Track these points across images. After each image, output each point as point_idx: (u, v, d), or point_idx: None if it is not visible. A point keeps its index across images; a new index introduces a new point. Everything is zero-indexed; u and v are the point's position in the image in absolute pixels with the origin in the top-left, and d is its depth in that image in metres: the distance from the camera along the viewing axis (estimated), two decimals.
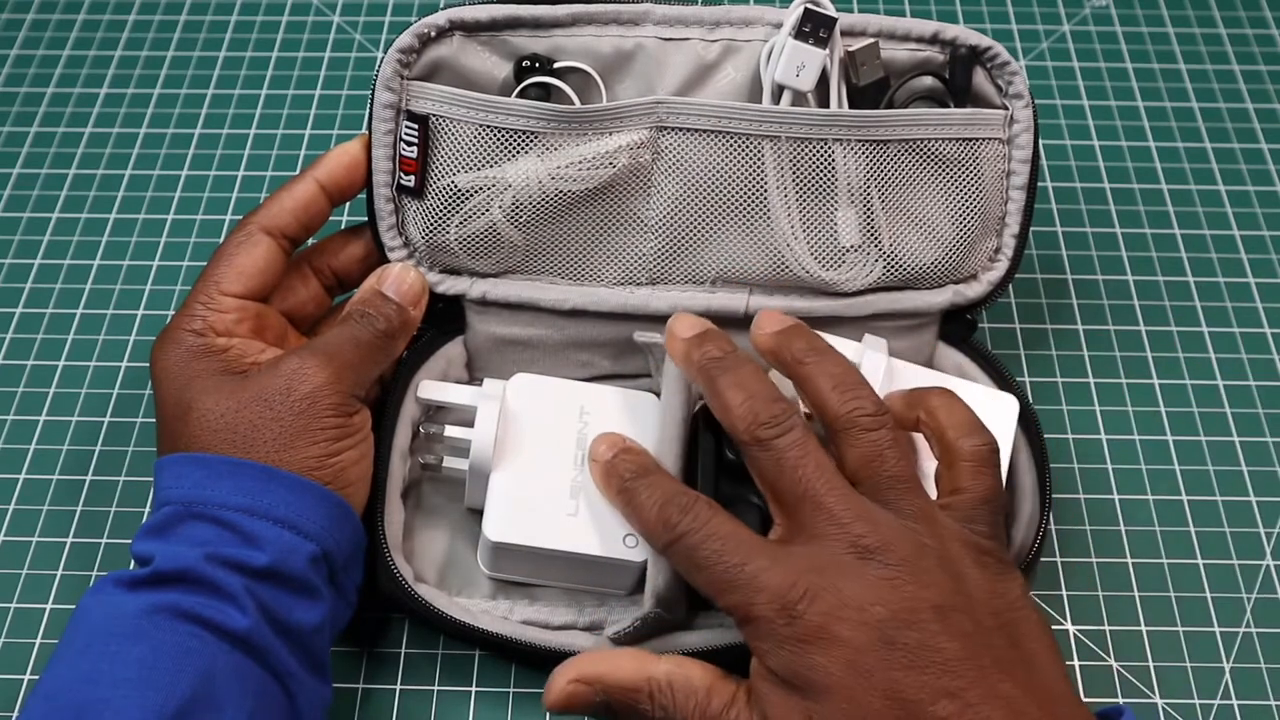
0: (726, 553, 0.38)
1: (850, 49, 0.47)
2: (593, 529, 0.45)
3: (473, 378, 0.52)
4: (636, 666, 0.39)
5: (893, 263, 0.49)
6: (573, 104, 0.48)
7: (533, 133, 0.47)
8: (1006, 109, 0.49)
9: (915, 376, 0.48)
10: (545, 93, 0.48)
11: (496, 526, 0.45)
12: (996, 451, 0.41)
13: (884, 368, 0.47)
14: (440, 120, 0.47)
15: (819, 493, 0.38)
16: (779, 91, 0.47)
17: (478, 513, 0.46)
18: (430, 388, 0.48)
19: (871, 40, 0.48)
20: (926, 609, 0.36)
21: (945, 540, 0.38)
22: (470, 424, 0.46)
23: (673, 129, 0.47)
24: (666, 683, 0.38)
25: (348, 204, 0.50)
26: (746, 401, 0.40)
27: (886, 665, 0.35)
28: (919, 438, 0.44)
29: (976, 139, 0.49)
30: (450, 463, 0.47)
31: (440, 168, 0.47)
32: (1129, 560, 0.51)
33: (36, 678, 0.43)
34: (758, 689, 0.37)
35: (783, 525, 0.39)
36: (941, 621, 0.36)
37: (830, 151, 0.47)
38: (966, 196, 0.49)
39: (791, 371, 0.42)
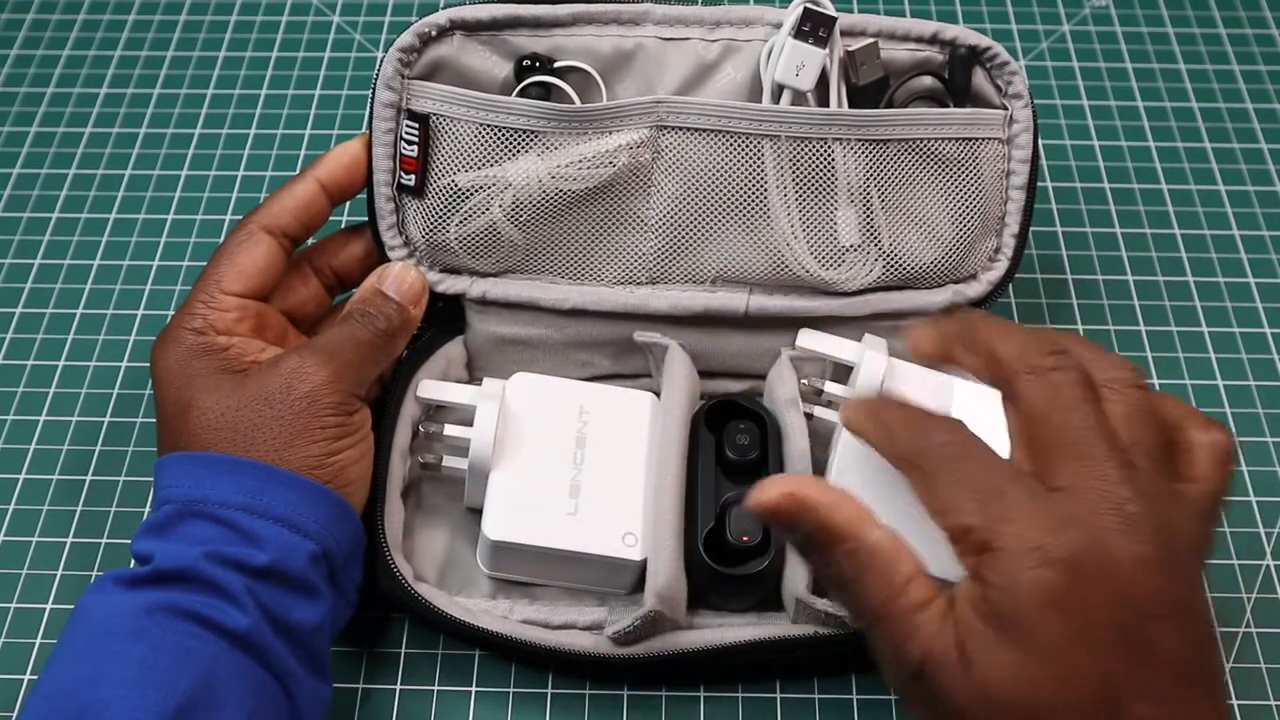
0: (990, 472, 0.35)
1: (850, 49, 0.47)
2: (592, 528, 0.45)
3: (473, 377, 0.52)
4: (855, 517, 0.36)
5: (892, 262, 0.49)
6: (573, 103, 0.48)
7: (533, 132, 0.47)
8: (1006, 109, 0.49)
9: (916, 376, 0.48)
10: (545, 92, 0.48)
11: (496, 525, 0.45)
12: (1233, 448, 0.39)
13: (884, 368, 0.47)
14: (441, 119, 0.47)
15: (1090, 443, 0.35)
16: (779, 91, 0.48)
17: (477, 512, 0.46)
18: (430, 387, 0.48)
19: (871, 40, 0.48)
20: (1170, 605, 0.33)
21: (1190, 532, 0.35)
22: (470, 423, 0.46)
23: (673, 128, 0.47)
24: (873, 548, 0.35)
25: (348, 203, 0.50)
26: (1020, 341, 0.37)
27: (1115, 650, 0.33)
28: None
29: (976, 139, 0.49)
30: (450, 462, 0.47)
31: (441, 167, 0.47)
32: None
33: (36, 677, 0.43)
34: (964, 614, 0.34)
35: (1036, 465, 0.36)
36: (1179, 623, 0.33)
37: (830, 151, 0.47)
38: (966, 196, 0.49)
39: (1038, 356, 0.38)
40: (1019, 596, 0.33)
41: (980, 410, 0.46)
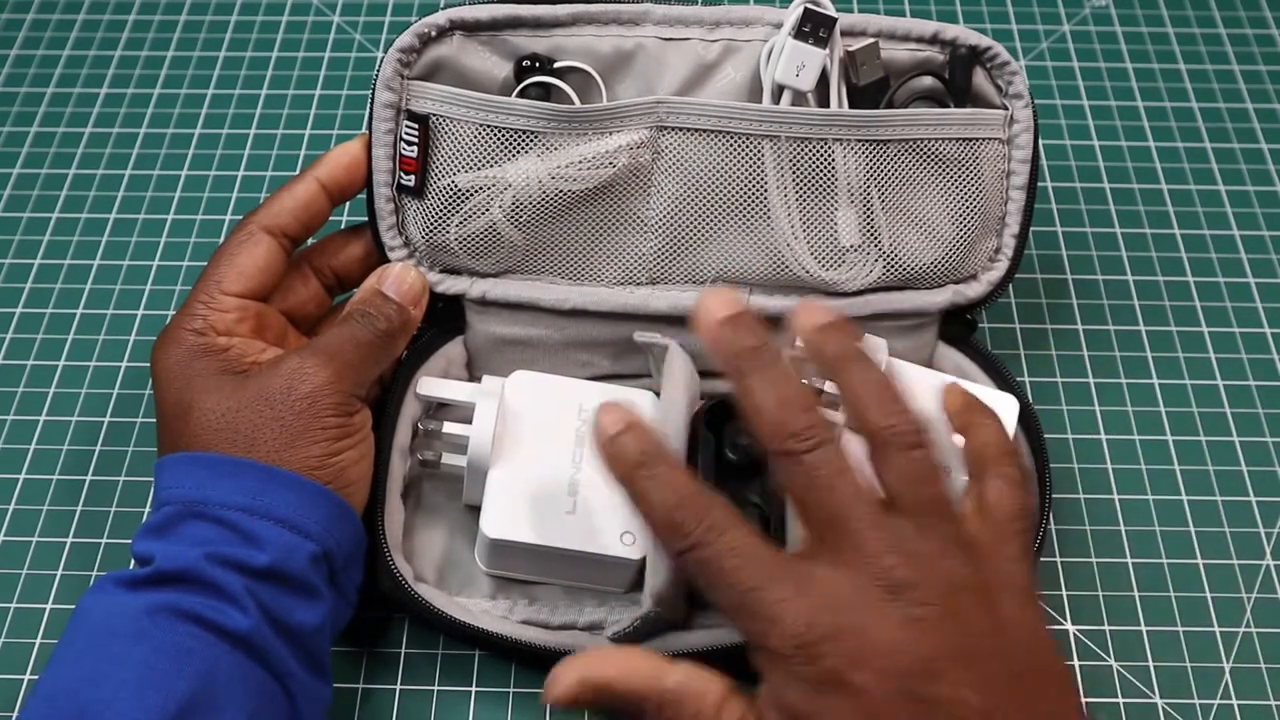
0: (743, 572, 0.35)
1: (850, 49, 0.47)
2: (590, 526, 0.45)
3: (473, 377, 0.52)
4: (648, 674, 0.36)
5: (892, 263, 0.49)
6: (573, 104, 0.48)
7: (533, 132, 0.47)
8: (1006, 109, 0.49)
9: (916, 376, 0.48)
10: (545, 92, 0.48)
11: (494, 523, 0.45)
12: (1029, 478, 0.40)
13: (884, 368, 0.47)
14: (440, 120, 0.47)
15: (850, 518, 0.35)
16: (779, 91, 0.48)
17: (477, 510, 0.46)
18: (429, 384, 0.48)
19: (871, 40, 0.48)
20: (954, 657, 0.34)
21: (985, 572, 0.36)
22: (469, 421, 0.46)
23: (673, 129, 0.47)
24: (676, 695, 0.36)
25: (348, 204, 0.50)
26: (778, 408, 0.37)
27: (907, 718, 0.33)
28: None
29: (976, 139, 0.49)
30: (449, 459, 0.47)
31: (440, 167, 0.47)
32: (1129, 560, 0.51)
33: (36, 678, 0.43)
34: (767, 718, 0.35)
35: (809, 540, 0.37)
36: (968, 670, 0.34)
37: (830, 151, 0.47)
38: (966, 196, 0.49)
39: (830, 374, 0.39)
40: (798, 692, 0.34)
41: None
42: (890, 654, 0.34)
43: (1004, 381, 0.50)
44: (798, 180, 0.48)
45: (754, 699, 0.36)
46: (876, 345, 0.48)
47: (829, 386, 0.47)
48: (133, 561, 0.41)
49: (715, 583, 0.36)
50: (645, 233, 0.49)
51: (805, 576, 0.35)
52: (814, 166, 0.48)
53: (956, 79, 0.49)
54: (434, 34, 0.47)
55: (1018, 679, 0.34)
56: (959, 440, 0.44)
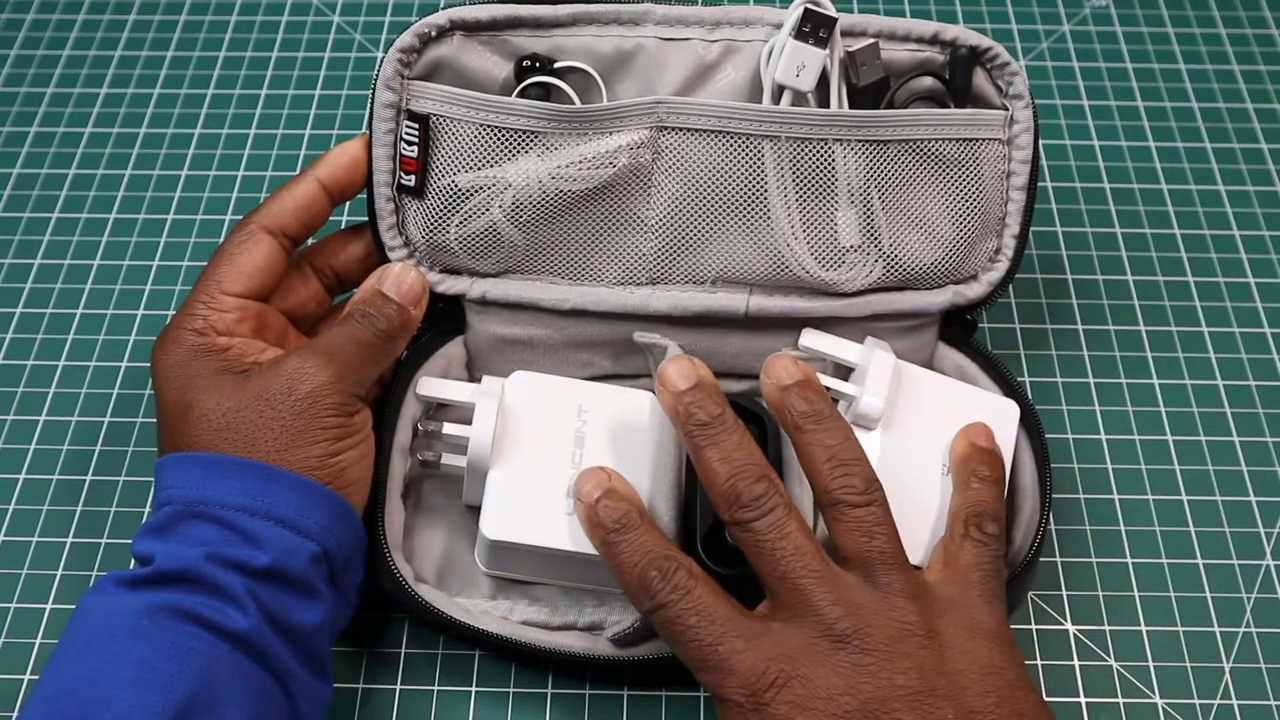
0: (702, 629, 0.38)
1: (850, 49, 0.47)
2: None
3: (473, 377, 0.52)
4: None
5: (893, 263, 0.49)
6: (573, 104, 0.48)
7: (533, 132, 0.47)
8: (1006, 109, 0.49)
9: (921, 379, 0.48)
10: (545, 92, 0.48)
11: (493, 524, 0.45)
12: (1002, 528, 0.43)
13: (891, 370, 0.47)
14: (441, 120, 0.47)
15: (796, 575, 0.38)
16: (779, 91, 0.47)
17: (477, 510, 0.46)
18: (430, 384, 0.48)
19: (871, 40, 0.48)
20: (901, 698, 0.36)
21: (936, 619, 0.38)
22: (469, 421, 0.46)
23: (673, 129, 0.47)
24: None
25: (348, 204, 0.50)
26: (730, 480, 0.40)
27: None
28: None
29: (976, 139, 0.49)
30: (449, 460, 0.47)
31: (441, 167, 0.47)
32: (1129, 560, 0.51)
33: (36, 678, 0.43)
34: None
35: (769, 601, 0.39)
36: (916, 710, 0.36)
37: (830, 151, 0.47)
38: (966, 197, 0.49)
39: (789, 435, 0.42)
40: None
41: (987, 418, 0.47)
42: (835, 696, 0.36)
43: (1004, 381, 0.50)
44: (798, 180, 0.48)
45: None
46: (881, 348, 0.48)
47: (832, 383, 0.47)
48: (133, 561, 0.41)
49: (678, 639, 0.38)
50: (645, 233, 0.49)
51: (760, 632, 0.38)
52: (814, 167, 0.47)
53: (956, 79, 0.49)
54: (434, 34, 0.47)
55: (979, 715, 0.36)
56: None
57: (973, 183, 0.49)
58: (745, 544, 0.39)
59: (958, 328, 0.51)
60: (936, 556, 0.42)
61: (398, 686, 0.47)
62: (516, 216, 0.48)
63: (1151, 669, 0.48)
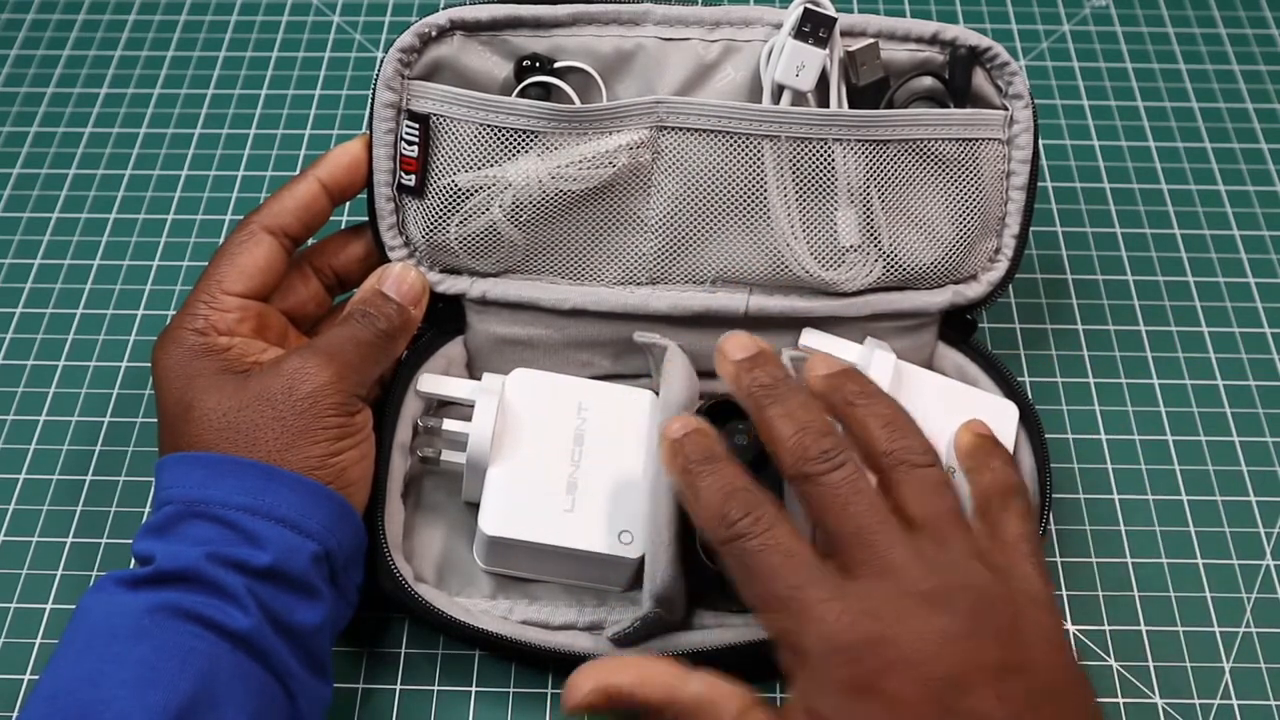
0: (787, 569, 0.36)
1: (850, 49, 0.47)
2: (588, 525, 0.45)
3: (473, 377, 0.52)
4: (666, 685, 0.36)
5: (892, 263, 0.49)
6: (573, 103, 0.48)
7: (533, 132, 0.47)
8: (1006, 109, 0.49)
9: (921, 379, 0.48)
10: (545, 92, 0.48)
11: (493, 520, 0.45)
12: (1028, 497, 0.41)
13: (892, 369, 0.47)
14: (441, 119, 0.47)
15: (872, 530, 0.36)
16: (779, 91, 0.48)
17: (476, 507, 0.46)
18: (430, 380, 0.48)
19: (871, 40, 0.48)
20: (986, 671, 0.34)
21: (1011, 588, 0.37)
22: (469, 418, 0.46)
23: (673, 129, 0.47)
24: (695, 703, 0.36)
25: (348, 204, 0.50)
26: (796, 435, 0.38)
27: None
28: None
29: (976, 139, 0.49)
30: (448, 456, 0.47)
31: (441, 167, 0.47)
32: (1129, 560, 0.51)
33: (36, 678, 0.43)
34: None
35: (836, 562, 0.37)
36: (998, 685, 0.34)
37: (830, 151, 0.47)
38: (966, 197, 0.49)
39: (842, 414, 0.41)
40: (830, 698, 0.34)
41: (987, 419, 0.47)
42: (924, 663, 0.34)
43: (1004, 381, 0.50)
44: (798, 180, 0.48)
45: (777, 710, 0.36)
46: (882, 348, 0.48)
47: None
48: (133, 561, 0.41)
49: (754, 576, 0.36)
50: (645, 233, 0.49)
51: (842, 584, 0.36)
52: (814, 166, 0.48)
53: (956, 79, 0.49)
54: (434, 34, 0.47)
55: (1044, 697, 0.35)
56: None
57: (972, 183, 0.49)
58: (812, 500, 0.38)
59: (957, 328, 0.51)
60: (980, 528, 0.40)
61: (398, 686, 0.47)
62: (516, 216, 0.48)
63: (1151, 669, 0.48)
